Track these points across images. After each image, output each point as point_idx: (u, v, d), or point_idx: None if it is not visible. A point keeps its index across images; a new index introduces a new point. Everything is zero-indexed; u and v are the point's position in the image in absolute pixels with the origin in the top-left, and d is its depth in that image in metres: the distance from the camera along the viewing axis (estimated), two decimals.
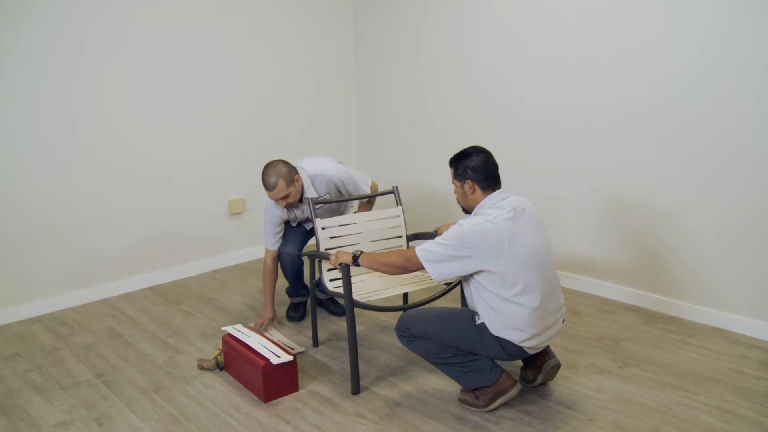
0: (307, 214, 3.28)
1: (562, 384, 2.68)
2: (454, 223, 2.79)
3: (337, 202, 3.19)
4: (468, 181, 2.41)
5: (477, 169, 2.39)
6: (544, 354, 2.59)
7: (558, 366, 2.61)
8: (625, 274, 3.53)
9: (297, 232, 3.39)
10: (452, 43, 4.13)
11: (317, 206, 3.16)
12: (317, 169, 3.22)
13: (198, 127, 4.10)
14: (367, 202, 3.38)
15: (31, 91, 3.39)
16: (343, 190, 3.27)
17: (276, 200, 3.08)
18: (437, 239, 2.34)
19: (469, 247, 2.27)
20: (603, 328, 3.23)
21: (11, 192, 3.40)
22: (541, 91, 3.70)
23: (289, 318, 3.47)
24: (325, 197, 3.19)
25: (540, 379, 2.59)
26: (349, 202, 3.38)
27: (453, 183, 2.49)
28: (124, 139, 3.78)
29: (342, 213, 3.42)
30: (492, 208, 2.36)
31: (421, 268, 2.36)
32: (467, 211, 2.50)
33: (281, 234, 3.29)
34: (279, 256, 3.30)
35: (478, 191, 2.41)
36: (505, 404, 2.49)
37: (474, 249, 2.27)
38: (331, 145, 4.84)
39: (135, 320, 3.49)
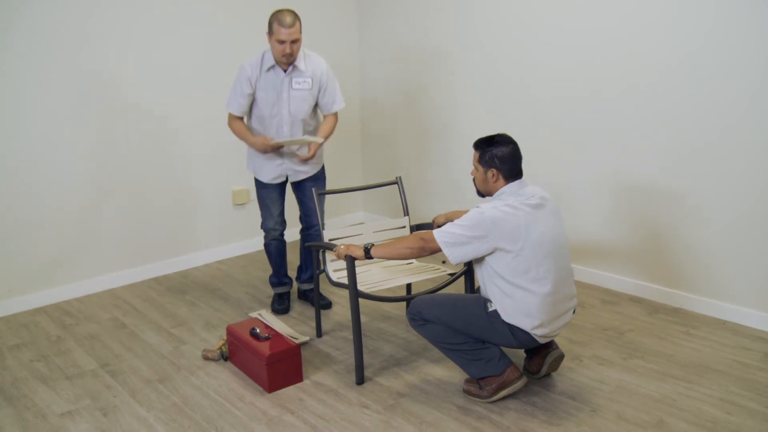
0: (288, 90, 3.08)
1: (566, 375, 2.68)
2: (452, 212, 2.84)
3: (338, 192, 3.17)
4: (493, 169, 2.41)
5: (504, 160, 2.40)
6: (548, 345, 2.60)
7: (562, 357, 2.62)
8: (628, 265, 3.52)
9: (276, 202, 3.29)
10: (454, 35, 4.11)
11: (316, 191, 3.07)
12: (312, 53, 3.15)
13: (202, 118, 4.09)
14: (332, 120, 3.27)
15: (32, 86, 3.39)
16: (320, 89, 3.15)
17: (285, 43, 2.92)
18: (456, 222, 2.37)
19: (487, 228, 2.30)
20: (606, 319, 3.23)
21: (15, 182, 3.41)
22: (546, 78, 3.67)
23: (274, 311, 3.39)
24: (327, 189, 3.16)
25: (544, 370, 2.59)
26: (316, 124, 3.27)
27: (475, 165, 2.48)
28: (127, 131, 3.78)
29: (308, 131, 3.25)
30: (512, 195, 2.39)
31: (437, 250, 2.38)
32: (483, 195, 2.52)
33: (248, 105, 3.13)
34: (265, 234, 3.24)
35: (501, 181, 2.43)
36: (509, 395, 2.50)
37: (491, 229, 2.29)
38: (334, 136, 4.81)
39: (140, 310, 3.50)
